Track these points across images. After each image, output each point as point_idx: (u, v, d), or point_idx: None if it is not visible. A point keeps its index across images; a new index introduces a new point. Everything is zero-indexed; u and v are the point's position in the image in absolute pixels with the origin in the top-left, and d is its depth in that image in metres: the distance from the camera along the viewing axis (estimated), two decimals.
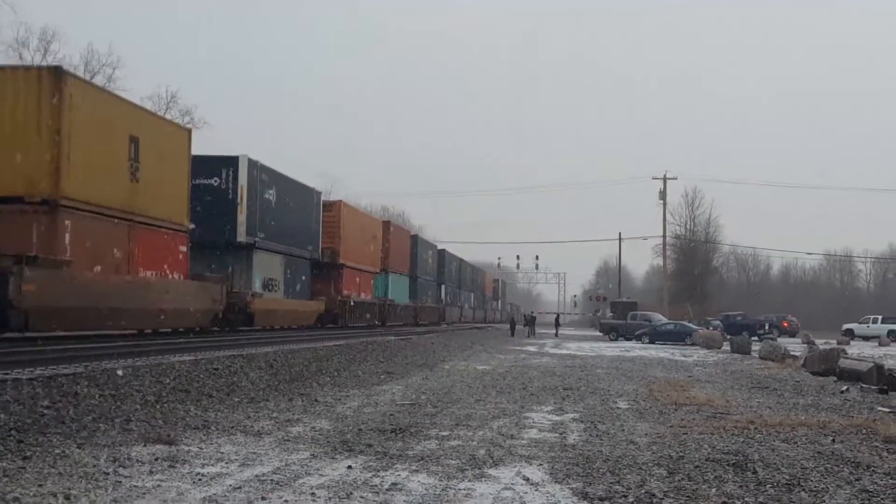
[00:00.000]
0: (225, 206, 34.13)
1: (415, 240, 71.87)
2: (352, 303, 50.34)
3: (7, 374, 14.21)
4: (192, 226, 29.71)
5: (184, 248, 29.47)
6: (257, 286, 35.88)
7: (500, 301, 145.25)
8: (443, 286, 77.97)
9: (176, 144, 29.05)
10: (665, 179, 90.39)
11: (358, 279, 52.89)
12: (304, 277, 42.97)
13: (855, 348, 43.79)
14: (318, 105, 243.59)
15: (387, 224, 62.41)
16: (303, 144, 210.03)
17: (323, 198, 48.07)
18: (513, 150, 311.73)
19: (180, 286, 28.78)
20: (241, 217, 34.45)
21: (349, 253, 49.82)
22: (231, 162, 34.45)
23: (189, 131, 30.85)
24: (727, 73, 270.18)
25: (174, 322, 28.90)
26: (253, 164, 35.33)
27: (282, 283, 39.42)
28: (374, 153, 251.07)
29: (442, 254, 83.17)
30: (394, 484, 9.20)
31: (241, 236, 34.56)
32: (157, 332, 28.15)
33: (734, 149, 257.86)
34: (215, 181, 33.86)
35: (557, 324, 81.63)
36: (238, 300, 33.31)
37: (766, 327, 71.83)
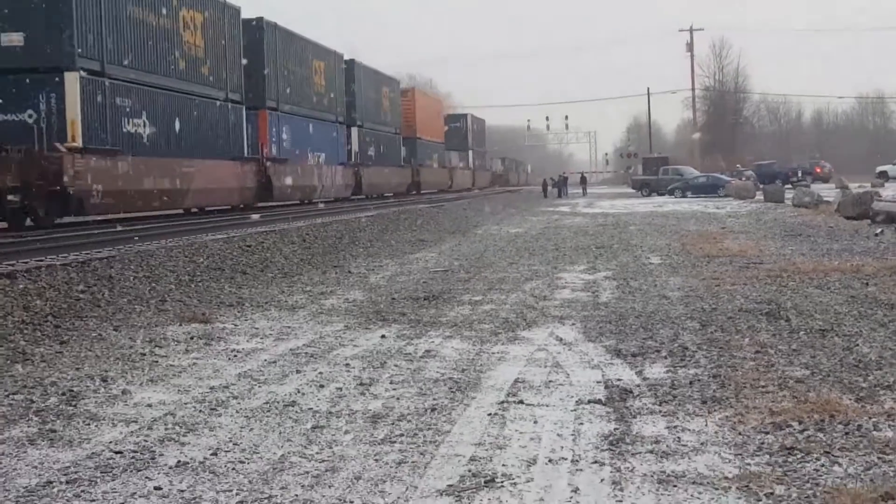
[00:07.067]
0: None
1: None
2: None
3: (41, 260, 14.32)
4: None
5: None
6: None
7: (471, 153, 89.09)
8: (146, 113, 28.21)
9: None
10: (692, 31, 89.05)
11: None
12: None
13: (889, 190, 43.36)
14: None
15: None
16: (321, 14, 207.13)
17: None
18: (538, 8, 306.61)
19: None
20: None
21: None
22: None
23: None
24: None
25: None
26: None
27: None
28: (398, 24, 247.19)
29: None
30: (427, 351, 9.27)
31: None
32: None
33: None
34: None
35: (584, 182, 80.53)
36: None
37: (799, 174, 71.12)
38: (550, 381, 7.75)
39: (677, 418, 6.49)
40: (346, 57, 50.47)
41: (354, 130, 49.94)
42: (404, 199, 51.78)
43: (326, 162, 44.36)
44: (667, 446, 5.84)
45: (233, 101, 34.30)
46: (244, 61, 35.51)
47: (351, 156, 48.97)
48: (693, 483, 5.16)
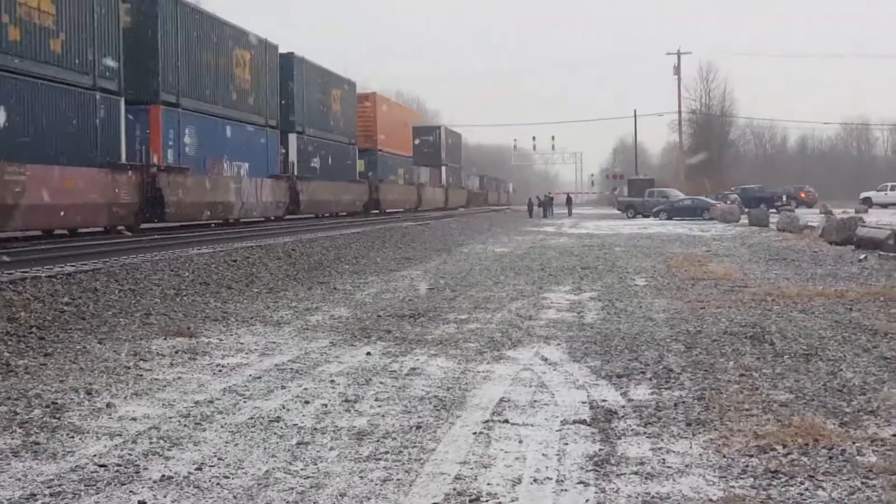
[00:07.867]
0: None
1: None
2: None
3: (26, 271, 14.28)
4: None
5: None
6: None
7: (444, 169, 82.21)
8: None
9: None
10: (679, 54, 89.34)
11: None
12: None
13: (873, 216, 43.59)
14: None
15: None
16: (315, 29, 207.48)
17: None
18: (527, 30, 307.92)
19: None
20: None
21: None
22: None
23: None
24: None
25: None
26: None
27: None
28: (387, 42, 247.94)
29: None
30: (413, 369, 9.26)
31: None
32: None
33: (747, 20, 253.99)
34: None
35: (569, 203, 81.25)
36: None
37: (784, 199, 71.32)
38: (535, 401, 7.76)
39: (662, 440, 6.51)
40: (299, 53, 44.17)
41: (292, 137, 42.58)
42: (342, 221, 43.43)
43: (251, 173, 36.93)
44: (651, 468, 5.85)
45: (105, 90, 26.03)
46: (126, 41, 27.35)
47: (287, 167, 41.82)
48: None
